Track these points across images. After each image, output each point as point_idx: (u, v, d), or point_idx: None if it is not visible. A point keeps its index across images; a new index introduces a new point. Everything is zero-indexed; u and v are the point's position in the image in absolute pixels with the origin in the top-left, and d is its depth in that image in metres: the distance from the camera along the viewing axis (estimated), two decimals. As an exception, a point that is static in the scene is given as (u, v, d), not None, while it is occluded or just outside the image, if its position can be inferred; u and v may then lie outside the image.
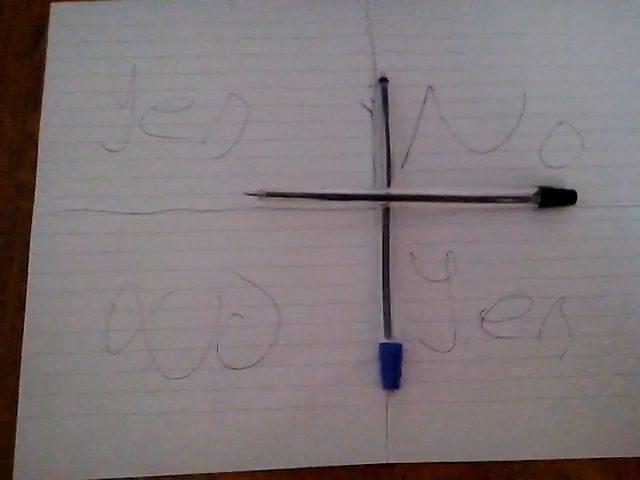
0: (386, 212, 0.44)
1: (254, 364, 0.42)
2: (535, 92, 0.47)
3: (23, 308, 0.42)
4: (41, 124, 0.46)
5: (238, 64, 0.47)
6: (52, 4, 0.48)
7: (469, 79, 0.47)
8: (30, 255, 0.43)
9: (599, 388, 0.42)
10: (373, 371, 0.42)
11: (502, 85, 0.47)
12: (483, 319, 0.43)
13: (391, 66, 0.47)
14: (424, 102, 0.47)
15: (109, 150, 0.45)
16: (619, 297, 0.43)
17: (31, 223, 0.44)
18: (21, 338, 0.42)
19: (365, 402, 0.41)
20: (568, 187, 0.45)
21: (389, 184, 0.44)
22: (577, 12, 0.49)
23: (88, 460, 0.40)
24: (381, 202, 0.44)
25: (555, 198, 0.44)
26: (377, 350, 0.42)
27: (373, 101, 0.46)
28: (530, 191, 0.44)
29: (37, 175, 0.45)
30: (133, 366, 0.42)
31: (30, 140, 0.46)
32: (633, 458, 0.41)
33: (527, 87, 0.47)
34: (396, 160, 0.45)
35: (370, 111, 0.46)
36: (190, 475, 0.40)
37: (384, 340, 0.42)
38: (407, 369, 0.42)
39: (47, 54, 0.47)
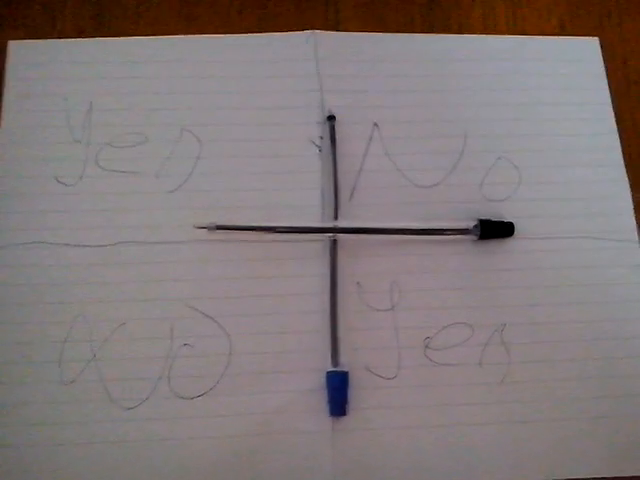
0: (333, 244, 0.45)
1: (205, 393, 0.43)
2: (475, 129, 0.49)
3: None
4: (-4, 158, 0.47)
5: (191, 101, 0.49)
6: (10, 42, 0.50)
7: (413, 117, 0.49)
8: (-17, 287, 0.44)
9: (538, 413, 0.43)
10: (321, 398, 0.43)
11: (444, 122, 0.49)
12: (426, 347, 0.44)
13: (338, 104, 0.49)
14: (370, 138, 0.49)
15: (63, 184, 0.46)
16: (555, 324, 0.45)
17: (-16, 256, 0.44)
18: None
19: (312, 429, 0.42)
20: (506, 220, 0.47)
21: (336, 217, 0.46)
22: (515, 53, 0.52)
23: (40, 490, 0.41)
24: (329, 234, 0.45)
25: (494, 230, 0.46)
26: (324, 378, 0.43)
27: (322, 137, 0.48)
28: (470, 224, 0.46)
29: (-9, 208, 0.46)
30: (86, 396, 0.42)
31: (-15, 174, 0.46)
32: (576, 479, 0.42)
33: (467, 124, 0.49)
34: (343, 194, 0.47)
35: (319, 147, 0.48)
36: (141, 504, 0.41)
37: (331, 368, 0.43)
38: (353, 396, 0.43)
39: (4, 91, 0.48)
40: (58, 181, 0.47)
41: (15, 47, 0.50)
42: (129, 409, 0.42)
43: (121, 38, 0.50)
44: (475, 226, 0.46)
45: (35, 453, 0.41)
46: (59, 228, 0.45)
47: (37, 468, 0.41)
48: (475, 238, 0.46)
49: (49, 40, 0.50)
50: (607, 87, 0.51)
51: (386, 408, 0.43)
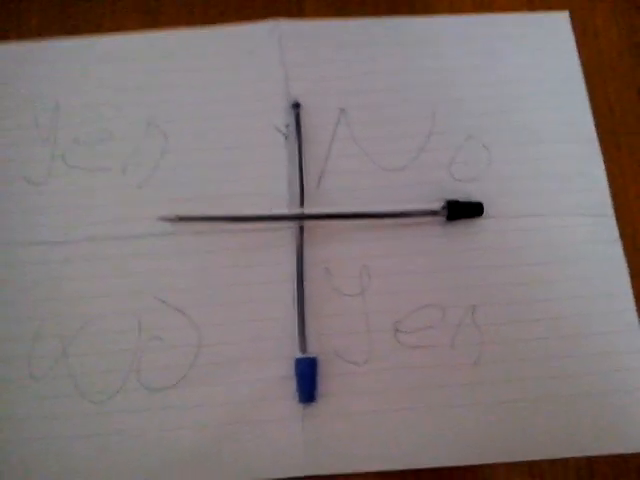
0: (300, 231, 0.45)
1: (174, 385, 0.43)
2: (443, 109, 0.49)
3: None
4: (-35, 161, 0.47)
5: (156, 96, 0.49)
6: (-24, 45, 0.50)
7: (379, 100, 0.49)
8: (-46, 288, 0.44)
9: (513, 393, 0.43)
10: (291, 386, 0.42)
11: (411, 104, 0.49)
12: (397, 330, 0.44)
13: (304, 91, 0.49)
14: (337, 124, 0.48)
15: (32, 183, 0.47)
16: (527, 304, 0.44)
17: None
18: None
19: (282, 416, 0.42)
20: (476, 200, 0.46)
21: (302, 204, 0.46)
22: (482, 31, 0.51)
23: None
24: (295, 221, 0.45)
25: (462, 211, 0.45)
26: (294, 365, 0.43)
27: (287, 125, 0.48)
28: (438, 205, 0.45)
29: (-39, 210, 0.46)
30: (56, 391, 0.43)
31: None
32: (550, 460, 0.42)
33: (435, 105, 0.49)
34: (311, 180, 0.47)
35: (285, 135, 0.48)
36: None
37: (299, 355, 0.43)
38: (323, 382, 0.43)
39: (-29, 94, 0.49)
40: (27, 181, 0.47)
41: (-19, 50, 0.50)
42: (99, 403, 0.42)
43: (84, 37, 0.51)
44: (443, 207, 0.45)
45: (4, 449, 0.42)
46: (27, 227, 0.46)
47: (6, 464, 0.41)
48: (443, 219, 0.45)
49: (14, 42, 0.50)
50: (578, 62, 0.50)
51: (356, 393, 0.43)
